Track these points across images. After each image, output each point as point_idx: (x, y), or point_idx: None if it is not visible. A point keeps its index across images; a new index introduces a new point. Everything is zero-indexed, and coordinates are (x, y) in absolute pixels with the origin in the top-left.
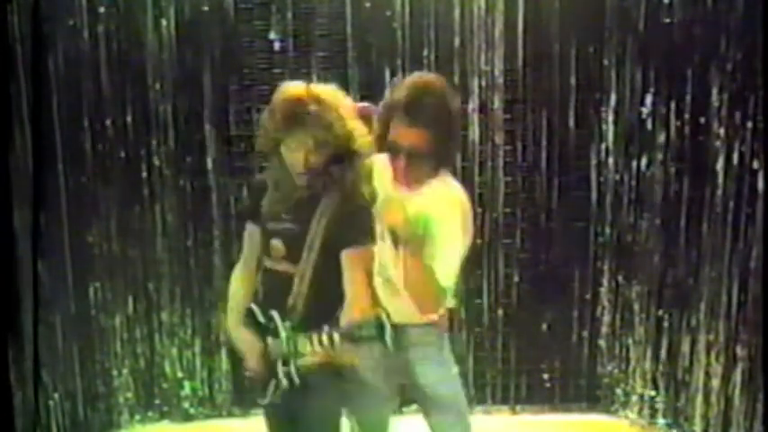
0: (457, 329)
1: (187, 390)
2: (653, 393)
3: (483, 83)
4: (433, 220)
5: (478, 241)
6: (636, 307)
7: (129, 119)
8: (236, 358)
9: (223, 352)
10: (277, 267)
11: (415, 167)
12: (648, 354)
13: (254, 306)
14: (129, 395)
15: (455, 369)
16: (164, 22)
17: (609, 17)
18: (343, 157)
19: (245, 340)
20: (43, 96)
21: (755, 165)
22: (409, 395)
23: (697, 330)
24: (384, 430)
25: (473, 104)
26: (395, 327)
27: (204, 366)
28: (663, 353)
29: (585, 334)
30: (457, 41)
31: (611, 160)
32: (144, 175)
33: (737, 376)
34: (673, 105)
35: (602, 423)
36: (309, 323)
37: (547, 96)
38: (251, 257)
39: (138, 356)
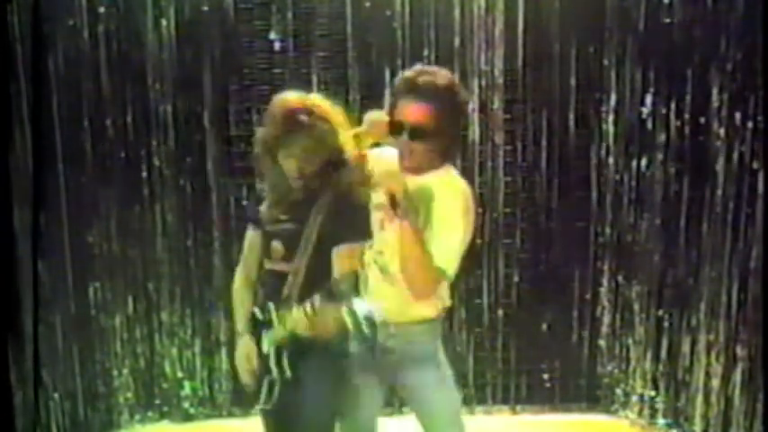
0: (457, 329)
1: (187, 390)
2: (653, 393)
3: (483, 83)
4: (434, 203)
5: (478, 241)
6: (636, 307)
7: (129, 119)
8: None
9: (223, 352)
10: (275, 267)
11: (418, 148)
12: (648, 354)
13: (255, 309)
14: (129, 395)
15: (449, 371)
16: (164, 22)
17: (609, 17)
18: (336, 162)
19: (246, 347)
20: (43, 96)
21: (755, 165)
22: (402, 397)
23: (697, 330)
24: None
25: (473, 104)
26: (388, 325)
27: (204, 366)
28: (663, 353)
29: (585, 334)
30: (457, 41)
31: (611, 160)
32: (144, 175)
33: (737, 376)
34: (673, 105)
35: (602, 423)
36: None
37: (547, 96)
38: (251, 261)
39: (138, 356)
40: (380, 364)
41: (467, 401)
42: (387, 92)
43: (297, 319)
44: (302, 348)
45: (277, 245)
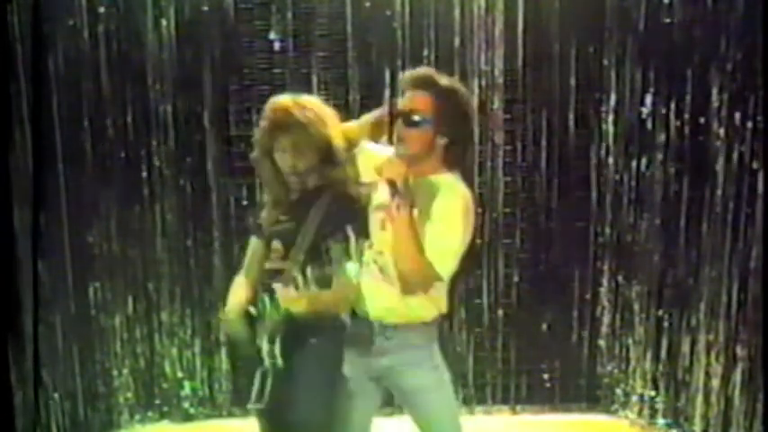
0: (457, 329)
1: (187, 390)
2: (653, 393)
3: (483, 83)
4: (434, 201)
5: (478, 241)
6: (636, 307)
7: (129, 119)
8: (235, 358)
9: (223, 352)
10: (274, 266)
11: (412, 134)
12: (648, 354)
13: (251, 308)
14: (129, 395)
15: (447, 375)
16: (164, 22)
17: (609, 17)
18: (329, 159)
19: (237, 339)
20: (43, 96)
21: (755, 165)
22: (400, 401)
23: (697, 330)
24: None
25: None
26: (385, 327)
27: (204, 366)
28: (663, 353)
29: (585, 334)
30: (457, 41)
31: (611, 160)
32: (144, 175)
33: (737, 376)
34: (673, 105)
35: (602, 423)
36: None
37: (547, 96)
38: (252, 263)
39: (138, 356)
40: (376, 365)
41: (467, 401)
42: (387, 92)
43: (290, 295)
44: (296, 337)
45: (277, 244)
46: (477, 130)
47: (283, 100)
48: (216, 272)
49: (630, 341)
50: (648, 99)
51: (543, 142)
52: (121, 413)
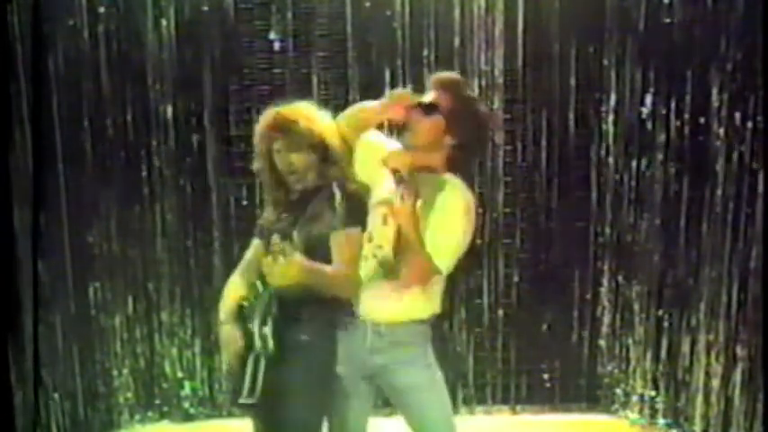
0: (457, 329)
1: (187, 390)
2: (653, 393)
3: (483, 83)
4: (438, 195)
5: (478, 241)
6: (636, 307)
7: (129, 119)
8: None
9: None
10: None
11: (425, 124)
12: (648, 354)
13: (244, 303)
14: (129, 395)
15: (440, 374)
16: (164, 22)
17: (609, 17)
18: (327, 157)
19: (228, 334)
20: (43, 96)
21: (755, 165)
22: (392, 401)
23: (697, 330)
24: None
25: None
26: (379, 324)
27: (204, 366)
28: (663, 353)
29: (585, 334)
30: (457, 41)
31: (611, 160)
32: (144, 175)
33: (737, 376)
34: (673, 105)
35: (602, 423)
36: (291, 287)
37: (547, 96)
38: (251, 264)
39: (138, 356)
40: (370, 364)
41: (467, 401)
42: (387, 92)
43: (278, 263)
44: (288, 330)
45: (276, 239)
46: (486, 149)
47: (276, 108)
48: (216, 272)
49: (630, 341)
50: (648, 99)
51: (543, 142)
52: (121, 413)
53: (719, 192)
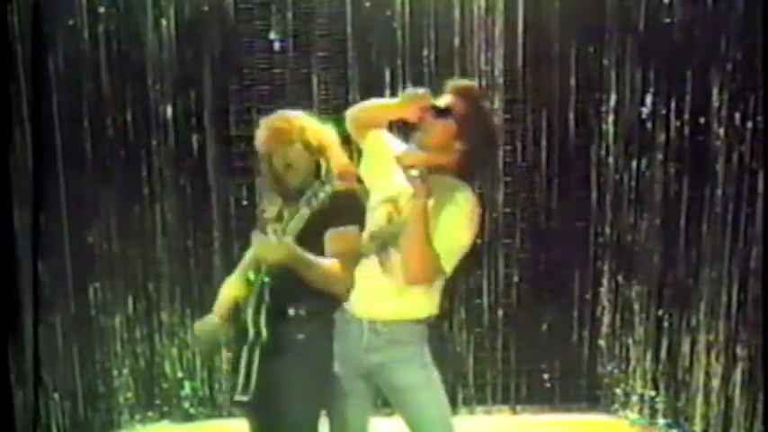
0: (457, 329)
1: (187, 390)
2: (653, 393)
3: (483, 83)
4: (447, 195)
5: (478, 241)
6: (636, 307)
7: (129, 119)
8: (235, 358)
9: (223, 352)
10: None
11: (438, 126)
12: (648, 354)
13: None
14: (129, 395)
15: (436, 373)
16: (164, 22)
17: (609, 17)
18: (324, 156)
19: (214, 324)
20: (43, 96)
21: (755, 165)
22: (390, 400)
23: (697, 330)
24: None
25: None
26: (376, 322)
27: (204, 366)
28: (663, 353)
29: (585, 334)
30: (457, 41)
31: (611, 160)
32: (144, 174)
33: (737, 376)
34: (673, 105)
35: (602, 423)
36: (284, 278)
37: (547, 96)
38: (250, 264)
39: (138, 356)
40: (367, 362)
41: (467, 401)
42: (387, 92)
43: (268, 242)
44: (283, 328)
45: (274, 226)
46: (495, 160)
47: (275, 115)
48: (216, 272)
49: (630, 341)
50: (648, 99)
51: (543, 142)
52: (121, 413)
53: (719, 192)
